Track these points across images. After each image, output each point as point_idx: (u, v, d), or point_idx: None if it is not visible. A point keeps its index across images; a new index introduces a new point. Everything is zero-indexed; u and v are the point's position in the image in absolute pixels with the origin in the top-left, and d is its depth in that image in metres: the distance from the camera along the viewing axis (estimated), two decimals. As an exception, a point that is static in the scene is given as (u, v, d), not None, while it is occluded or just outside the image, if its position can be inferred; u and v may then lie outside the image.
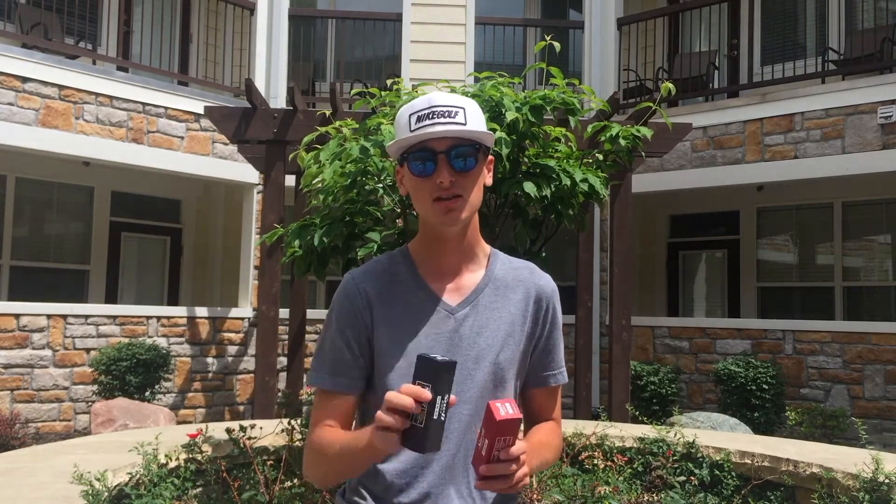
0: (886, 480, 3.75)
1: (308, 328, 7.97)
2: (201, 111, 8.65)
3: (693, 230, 11.10)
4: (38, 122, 7.98)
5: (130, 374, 7.61)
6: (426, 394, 1.23)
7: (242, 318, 9.40)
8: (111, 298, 9.97)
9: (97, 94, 8.39)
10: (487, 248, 1.62)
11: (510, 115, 3.51)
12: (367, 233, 3.64)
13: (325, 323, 1.58)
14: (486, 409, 1.30)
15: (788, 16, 10.15)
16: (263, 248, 7.00)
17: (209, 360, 9.09)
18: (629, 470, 4.60)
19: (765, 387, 7.77)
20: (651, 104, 4.14)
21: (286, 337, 8.33)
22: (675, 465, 4.57)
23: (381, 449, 1.28)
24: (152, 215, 10.53)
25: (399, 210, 3.72)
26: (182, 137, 9.03)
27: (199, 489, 4.05)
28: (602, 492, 4.11)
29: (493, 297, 1.56)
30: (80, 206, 9.96)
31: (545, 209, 3.83)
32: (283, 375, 8.39)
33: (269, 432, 4.51)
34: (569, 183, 3.68)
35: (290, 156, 4.85)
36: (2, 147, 7.86)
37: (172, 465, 3.92)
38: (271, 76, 9.65)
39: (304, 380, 8.27)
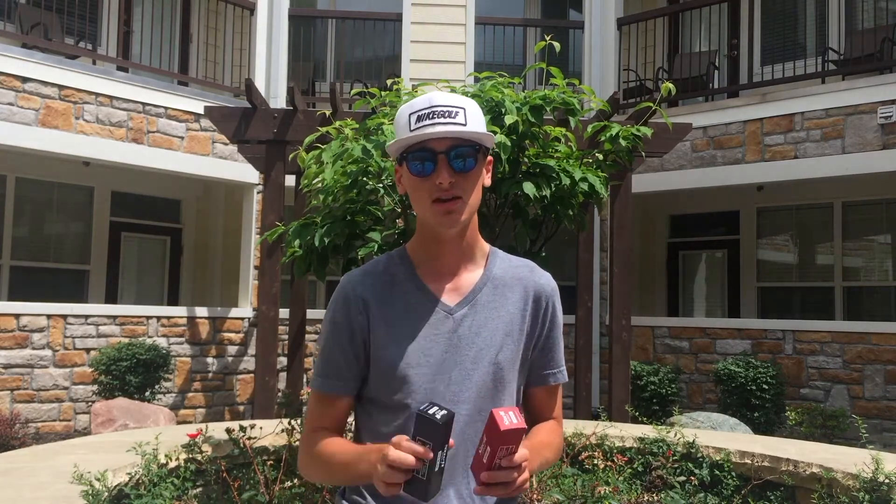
0: (886, 480, 3.75)
1: (308, 328, 7.97)
2: (201, 111, 8.65)
3: (693, 230, 11.10)
4: (38, 122, 7.98)
5: (130, 374, 7.61)
6: (427, 454, 1.25)
7: (242, 318, 9.40)
8: (111, 298, 9.97)
9: (97, 94, 8.39)
10: (486, 246, 1.62)
11: (510, 119, 3.50)
12: (367, 232, 3.64)
13: (322, 325, 1.59)
14: (489, 416, 1.30)
15: (788, 16, 10.15)
16: (263, 248, 7.00)
17: (209, 360, 9.09)
18: (629, 470, 4.60)
19: (765, 387, 7.77)
20: (651, 104, 4.14)
21: (286, 337, 8.33)
22: (675, 465, 4.58)
23: (382, 491, 1.31)
24: (152, 215, 10.53)
25: (399, 210, 3.72)
26: (182, 137, 9.03)
27: (199, 489, 4.05)
28: (602, 492, 4.11)
29: (492, 296, 1.55)
30: (80, 206, 9.96)
31: (545, 209, 3.83)
32: (283, 375, 8.39)
33: (269, 432, 4.51)
34: (568, 183, 3.68)
35: (290, 156, 4.85)
36: (2, 147, 7.86)
37: (172, 465, 3.92)
38: (271, 76, 9.65)
39: (305, 380, 8.27)
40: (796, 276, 10.21)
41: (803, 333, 8.53)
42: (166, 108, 8.90)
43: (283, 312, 7.78)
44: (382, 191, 3.73)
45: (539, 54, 9.55)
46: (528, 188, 3.58)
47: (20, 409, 7.53)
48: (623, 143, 3.96)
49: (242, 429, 4.22)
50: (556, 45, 4.15)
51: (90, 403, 7.91)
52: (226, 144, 9.11)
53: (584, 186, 3.73)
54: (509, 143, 3.49)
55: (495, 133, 3.49)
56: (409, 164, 1.47)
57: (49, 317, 7.94)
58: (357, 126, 4.08)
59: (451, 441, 1.30)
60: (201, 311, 9.06)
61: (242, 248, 9.70)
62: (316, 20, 10.94)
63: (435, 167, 1.45)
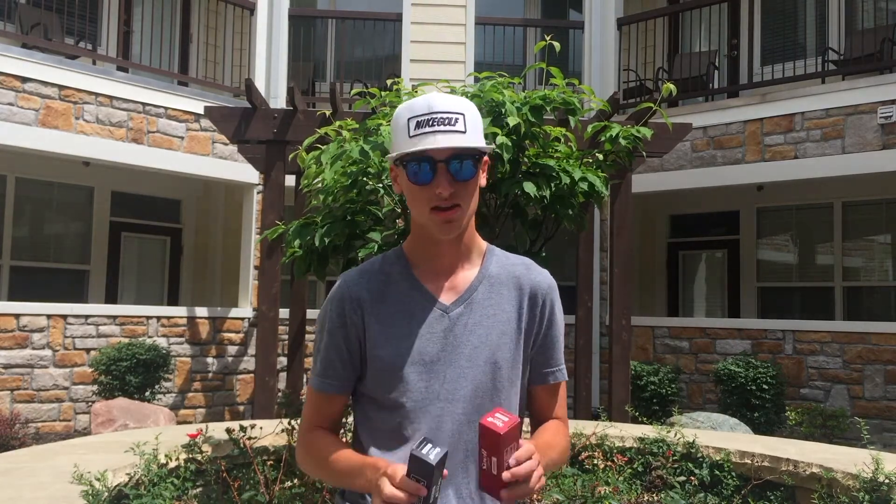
0: (886, 480, 3.75)
1: (308, 328, 7.96)
2: (201, 111, 8.65)
3: (693, 230, 11.10)
4: (38, 122, 7.98)
5: (130, 374, 7.61)
6: (421, 490, 1.28)
7: (242, 318, 9.40)
8: (111, 298, 9.97)
9: (97, 94, 8.39)
10: (483, 245, 1.61)
11: (512, 121, 3.50)
12: (367, 232, 3.64)
13: (318, 325, 1.59)
14: (479, 429, 1.33)
15: (788, 16, 10.15)
16: (263, 248, 7.00)
17: (209, 360, 9.09)
18: (629, 470, 4.60)
19: (765, 387, 7.77)
20: (651, 104, 4.14)
21: (286, 337, 8.33)
22: (675, 465, 4.57)
23: None
24: (152, 215, 10.53)
25: (399, 210, 3.72)
26: (182, 137, 9.03)
27: (199, 489, 4.05)
28: (602, 492, 4.11)
29: (488, 294, 1.55)
30: (80, 206, 9.96)
31: (545, 209, 3.83)
32: (283, 375, 8.39)
33: (269, 432, 4.51)
34: (568, 182, 3.68)
35: (290, 156, 4.85)
36: (2, 147, 7.86)
37: (172, 465, 3.92)
38: (271, 76, 9.65)
39: (304, 380, 8.27)
40: (796, 276, 10.21)
41: (803, 333, 8.53)
42: (166, 108, 8.90)
43: (283, 312, 7.78)
44: (382, 191, 3.73)
45: (539, 54, 9.55)
46: (529, 188, 3.58)
47: (20, 409, 7.53)
48: (623, 143, 3.96)
49: (242, 429, 4.22)
50: (556, 45, 4.15)
51: (90, 403, 7.91)
52: (226, 144, 9.11)
53: (584, 186, 3.73)
54: (510, 144, 3.49)
55: (496, 134, 3.49)
56: (407, 170, 1.46)
57: (49, 317, 7.94)
58: (357, 126, 4.08)
59: (445, 472, 1.33)
60: (201, 311, 9.06)
61: (242, 248, 9.70)
62: (316, 20, 10.94)
63: (434, 176, 1.44)
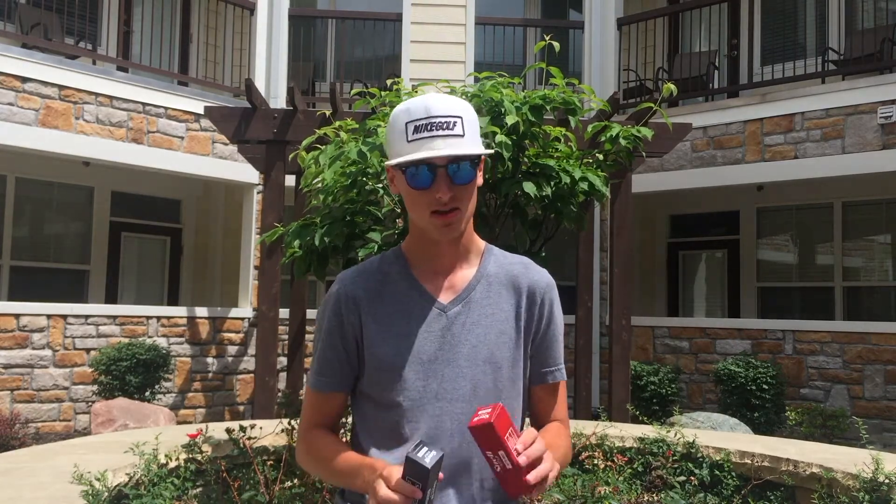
0: (886, 480, 3.75)
1: (308, 328, 7.97)
2: (201, 111, 8.65)
3: (693, 230, 11.10)
4: (38, 122, 7.98)
5: (130, 374, 7.61)
6: (416, 493, 1.28)
7: (242, 318, 9.40)
8: (111, 298, 9.97)
9: (97, 94, 8.39)
10: (482, 244, 1.61)
11: (510, 119, 3.50)
12: (367, 233, 3.64)
13: (316, 324, 1.60)
14: (472, 435, 1.32)
15: (788, 16, 10.15)
16: (263, 248, 7.00)
17: (209, 360, 9.09)
18: (629, 470, 4.60)
19: (765, 387, 7.77)
20: (651, 104, 4.14)
21: (286, 337, 8.33)
22: (675, 465, 4.57)
23: None
24: (152, 215, 10.53)
25: (399, 210, 3.73)
26: (182, 137, 9.03)
27: (199, 489, 4.05)
28: (602, 492, 4.11)
29: (486, 293, 1.55)
30: (80, 206, 9.96)
31: (545, 208, 3.83)
32: (283, 375, 8.39)
33: (269, 432, 4.51)
34: (569, 182, 3.68)
35: (290, 156, 4.85)
36: (2, 147, 7.86)
37: (172, 465, 3.92)
38: (271, 76, 9.65)
39: (304, 380, 8.27)
40: (796, 276, 10.21)
41: (803, 333, 8.53)
42: (166, 108, 8.90)
43: (283, 312, 7.78)
44: (382, 191, 3.73)
45: (539, 54, 9.56)
46: (529, 188, 3.58)
47: (20, 409, 7.53)
48: (623, 143, 3.96)
49: (242, 429, 4.22)
50: (556, 45, 4.15)
51: (90, 403, 7.91)
52: (226, 144, 9.11)
53: (585, 186, 3.73)
54: (510, 143, 3.49)
55: (496, 133, 3.49)
56: (406, 175, 1.46)
57: (49, 317, 7.94)
58: (356, 126, 4.08)
59: (441, 475, 1.33)
60: (201, 311, 9.06)
61: (242, 248, 9.70)
62: (316, 20, 10.94)
63: (433, 180, 1.44)
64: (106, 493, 3.29)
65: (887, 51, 8.73)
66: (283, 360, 8.45)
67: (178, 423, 7.95)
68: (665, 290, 11.26)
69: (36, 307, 7.91)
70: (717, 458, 4.56)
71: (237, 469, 4.18)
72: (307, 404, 1.59)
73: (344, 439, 1.58)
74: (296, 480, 3.99)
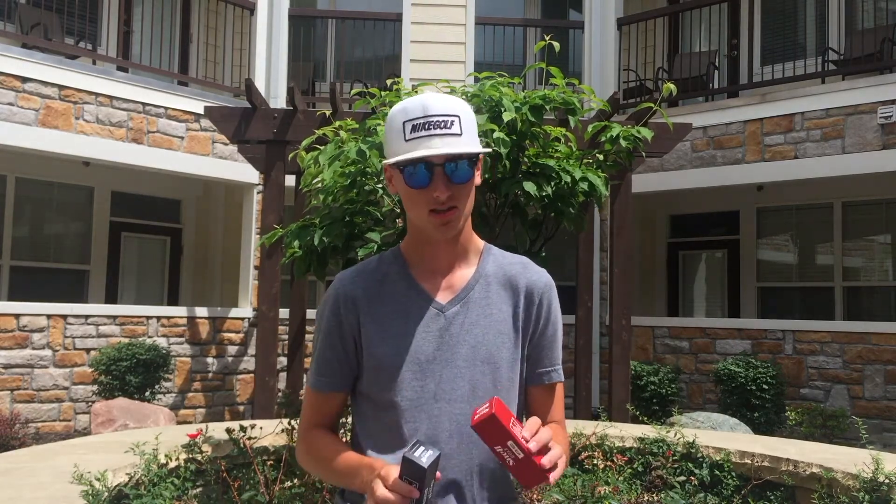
0: (886, 480, 3.75)
1: (308, 328, 7.96)
2: (201, 111, 8.65)
3: (693, 230, 11.10)
4: (38, 122, 7.98)
5: (130, 374, 7.61)
6: (413, 492, 1.28)
7: (242, 318, 9.40)
8: (111, 298, 9.97)
9: (97, 94, 8.39)
10: (480, 244, 1.61)
11: (507, 116, 3.50)
12: (366, 233, 3.64)
13: (315, 324, 1.60)
14: (477, 432, 1.32)
15: (788, 16, 10.15)
16: (263, 248, 7.00)
17: (209, 360, 9.09)
18: (629, 470, 4.60)
19: (765, 387, 7.77)
20: (651, 104, 4.14)
21: (286, 337, 8.33)
22: (675, 465, 4.57)
23: None
24: (152, 215, 10.53)
25: (399, 210, 3.73)
26: (182, 137, 9.03)
27: (199, 489, 4.05)
28: (602, 492, 4.11)
29: (485, 293, 1.55)
30: (80, 206, 9.96)
31: (545, 209, 3.83)
32: (283, 375, 8.39)
33: (269, 432, 4.51)
34: (569, 182, 3.68)
35: (290, 156, 4.85)
36: (2, 147, 7.86)
37: (172, 465, 3.92)
38: (271, 76, 9.65)
39: (304, 380, 8.27)
40: (796, 276, 10.21)
41: (803, 333, 8.53)
42: (166, 108, 8.90)
43: (283, 312, 7.78)
44: (381, 191, 3.73)
45: (539, 54, 9.55)
46: (529, 187, 3.58)
47: (20, 409, 7.53)
48: (624, 143, 3.96)
49: (242, 429, 4.22)
50: (556, 45, 4.15)
51: (90, 403, 7.91)
52: (226, 144, 9.11)
53: (585, 186, 3.73)
54: (508, 140, 3.49)
55: (494, 131, 3.49)
56: (404, 174, 1.46)
57: (49, 317, 7.94)
58: (356, 126, 4.08)
59: (438, 475, 1.33)
60: (201, 311, 9.06)
61: (242, 248, 9.70)
62: (316, 20, 10.94)
63: (431, 179, 1.44)
64: (106, 493, 3.29)
65: (887, 51, 8.73)
66: (283, 360, 8.45)
67: (178, 423, 7.95)
68: (665, 290, 11.26)
69: (36, 307, 7.91)
70: (717, 458, 4.56)
71: (237, 469, 4.18)
72: (307, 404, 1.59)
73: (344, 439, 1.58)
74: (296, 480, 3.99)
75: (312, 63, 10.62)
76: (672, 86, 4.14)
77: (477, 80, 3.95)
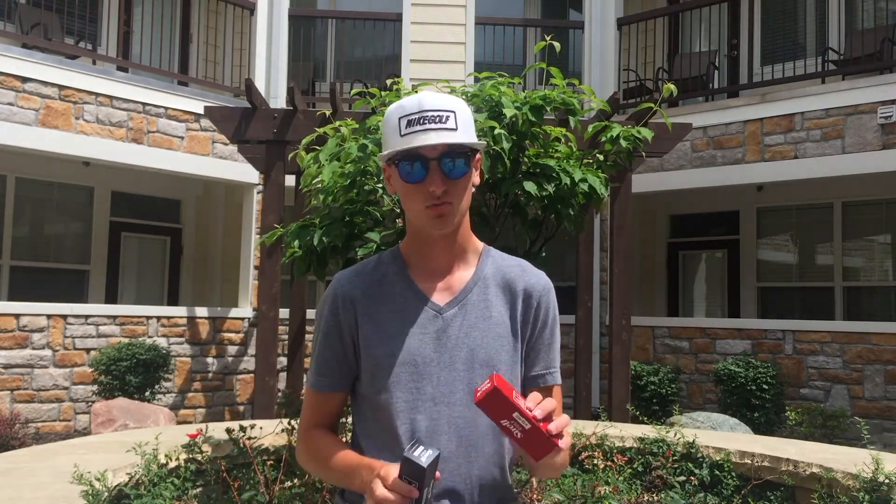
0: (886, 480, 3.75)
1: (308, 328, 7.96)
2: (201, 111, 8.65)
3: (693, 230, 11.10)
4: (38, 122, 7.98)
5: (130, 374, 7.61)
6: (413, 492, 1.28)
7: (242, 318, 9.40)
8: (111, 298, 9.97)
9: (97, 94, 8.39)
10: (480, 245, 1.61)
11: (508, 112, 3.51)
12: (366, 233, 3.64)
13: (314, 324, 1.60)
14: (481, 408, 1.30)
15: (788, 16, 10.15)
16: (263, 248, 7.00)
17: (209, 360, 9.09)
18: (629, 470, 4.60)
19: (765, 387, 7.77)
20: (652, 105, 4.14)
21: (286, 337, 8.33)
22: (675, 465, 4.58)
23: None
24: (152, 215, 10.53)
25: (399, 210, 3.73)
26: (182, 137, 9.03)
27: (199, 489, 4.05)
28: (602, 492, 4.11)
29: (483, 295, 1.54)
30: (80, 206, 9.96)
31: (545, 209, 3.83)
32: (283, 375, 8.39)
33: (269, 432, 4.51)
34: (569, 183, 3.68)
35: (290, 156, 4.85)
36: (2, 147, 7.86)
37: (172, 465, 3.92)
38: (271, 76, 9.65)
39: (304, 380, 8.27)
40: (796, 276, 10.21)
41: (803, 333, 8.53)
42: (166, 108, 8.90)
43: (283, 312, 7.78)
44: (381, 191, 3.73)
45: (539, 54, 9.55)
46: (529, 187, 3.58)
47: (20, 409, 7.53)
48: (624, 143, 3.96)
49: (242, 429, 4.22)
50: (557, 45, 4.15)
51: (90, 403, 7.91)
52: (226, 144, 9.11)
53: (584, 187, 3.73)
54: (507, 135, 3.50)
55: (494, 129, 3.49)
56: (400, 169, 1.46)
57: (49, 317, 7.94)
58: (356, 126, 4.08)
59: (438, 474, 1.33)
60: (201, 311, 9.06)
61: (242, 248, 9.70)
62: (316, 20, 10.94)
63: (427, 174, 1.44)
64: (106, 493, 3.29)
65: (887, 51, 8.73)
66: (283, 360, 8.45)
67: (178, 423, 7.95)
68: (665, 290, 11.26)
69: (36, 307, 7.91)
70: (717, 458, 4.56)
71: (237, 469, 4.18)
72: (307, 404, 1.59)
73: (344, 439, 1.58)
74: (296, 480, 3.99)
75: (312, 63, 10.62)
76: (672, 86, 4.14)
77: (477, 80, 3.96)
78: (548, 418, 1.30)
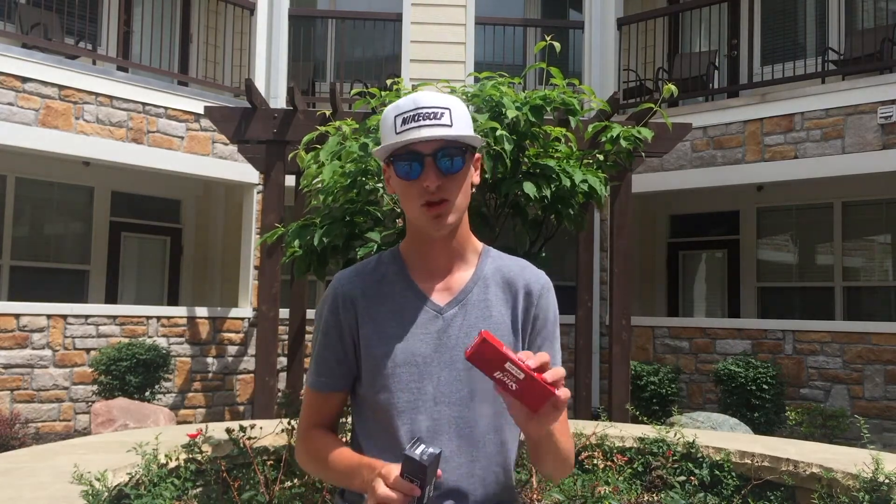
0: (886, 480, 3.75)
1: (308, 328, 7.97)
2: (201, 111, 8.65)
3: (693, 230, 11.10)
4: (38, 122, 7.98)
5: (130, 374, 7.61)
6: (414, 490, 1.28)
7: (242, 318, 9.40)
8: (111, 298, 9.97)
9: (97, 94, 8.39)
10: (479, 245, 1.61)
11: (510, 113, 3.51)
12: (366, 233, 3.64)
13: (314, 324, 1.60)
14: (472, 362, 1.26)
15: (788, 16, 10.15)
16: (263, 248, 7.00)
17: (209, 360, 9.09)
18: (629, 470, 4.60)
19: (765, 387, 7.77)
20: (652, 105, 4.14)
21: (286, 337, 8.33)
22: (675, 465, 4.58)
23: None
24: (152, 215, 10.53)
25: (399, 210, 3.72)
26: (182, 137, 9.03)
27: (199, 489, 4.05)
28: (602, 492, 4.11)
29: (483, 295, 1.54)
30: (80, 206, 9.96)
31: (545, 209, 3.83)
32: (283, 375, 8.39)
33: (269, 432, 4.51)
34: (569, 183, 3.68)
35: (290, 156, 4.85)
36: (2, 147, 7.86)
37: (172, 465, 3.92)
38: (271, 76, 9.65)
39: (304, 380, 8.27)
40: (796, 276, 10.21)
41: (803, 333, 8.53)
42: (166, 108, 8.90)
43: (283, 312, 7.77)
44: (382, 190, 3.73)
45: (539, 54, 9.55)
46: (529, 188, 3.58)
47: (20, 409, 7.53)
48: (624, 143, 3.96)
49: (242, 429, 4.22)
50: (557, 45, 4.15)
51: (90, 403, 7.91)
52: (226, 144, 9.11)
53: (584, 187, 3.73)
54: (509, 135, 3.50)
55: (496, 129, 3.49)
56: (396, 166, 1.47)
57: (49, 317, 7.94)
58: (357, 126, 4.08)
59: (440, 472, 1.33)
60: (201, 311, 9.06)
61: (242, 248, 9.70)
62: (316, 20, 10.94)
63: (422, 170, 1.44)
64: (106, 493, 3.29)
65: (887, 51, 8.73)
66: (283, 360, 8.45)
67: (178, 423, 7.95)
68: (665, 290, 11.26)
69: (36, 307, 7.91)
70: (717, 458, 4.56)
71: (237, 469, 4.18)
72: (306, 404, 1.59)
73: (344, 439, 1.58)
74: (296, 480, 3.99)
75: (312, 63, 10.62)
76: (672, 86, 4.14)
77: (477, 80, 3.95)
78: (542, 368, 1.27)
